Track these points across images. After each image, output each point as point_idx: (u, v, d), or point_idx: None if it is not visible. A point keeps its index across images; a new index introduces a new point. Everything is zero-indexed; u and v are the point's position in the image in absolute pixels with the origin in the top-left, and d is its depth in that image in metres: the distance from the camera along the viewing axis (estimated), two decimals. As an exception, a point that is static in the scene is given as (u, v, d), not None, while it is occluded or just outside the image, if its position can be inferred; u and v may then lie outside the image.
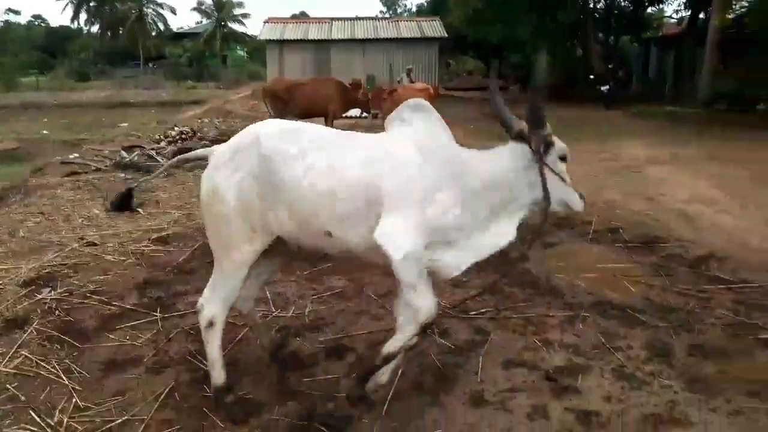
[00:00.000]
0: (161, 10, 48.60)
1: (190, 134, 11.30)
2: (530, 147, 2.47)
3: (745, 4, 17.36)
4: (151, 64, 44.61)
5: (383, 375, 2.58)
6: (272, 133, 2.43)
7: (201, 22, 49.48)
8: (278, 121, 2.61)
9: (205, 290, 2.53)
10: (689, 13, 23.52)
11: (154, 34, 47.90)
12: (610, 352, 3.05)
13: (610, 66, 23.46)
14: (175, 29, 51.15)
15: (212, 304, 2.48)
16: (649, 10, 28.70)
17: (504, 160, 2.53)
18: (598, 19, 26.43)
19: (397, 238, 2.27)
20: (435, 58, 29.52)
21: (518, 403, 2.60)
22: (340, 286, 4.04)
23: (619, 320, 3.43)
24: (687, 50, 21.42)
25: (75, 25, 50.78)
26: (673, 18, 29.48)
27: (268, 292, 3.89)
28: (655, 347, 3.09)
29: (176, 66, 41.14)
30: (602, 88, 20.39)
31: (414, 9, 48.90)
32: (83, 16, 48.86)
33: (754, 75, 16.02)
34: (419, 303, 2.30)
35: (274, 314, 3.58)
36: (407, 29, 30.08)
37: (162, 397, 2.65)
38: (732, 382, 2.75)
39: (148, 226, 5.43)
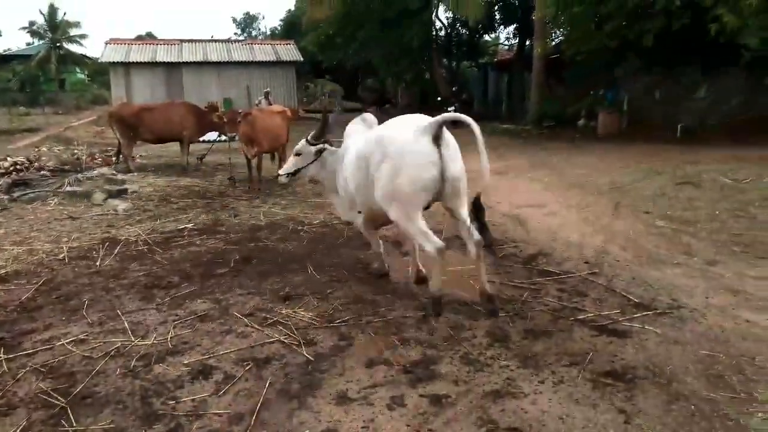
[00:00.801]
0: (-17, 32, 43.50)
1: (26, 165, 10.32)
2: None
3: (560, 33, 19.79)
4: (-26, 90, 39.62)
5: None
6: (427, 119, 3.92)
7: (32, 43, 45.02)
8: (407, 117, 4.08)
9: (420, 244, 3.84)
10: (517, 41, 26.26)
11: (-24, 57, 42.63)
12: (458, 342, 3.41)
13: (454, 89, 25.43)
14: (1, 51, 46.03)
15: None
16: (485, 37, 31.54)
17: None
18: (440, 45, 28.51)
19: None
20: (293, 81, 29.79)
21: (379, 396, 2.82)
22: (203, 309, 4.03)
23: (465, 314, 3.83)
24: (517, 75, 23.86)
25: None
26: (505, 45, 32.69)
27: (126, 322, 3.78)
28: (495, 334, 3.51)
29: (5, 91, 36.83)
30: (448, 109, 22.00)
31: (268, 32, 48.82)
32: None
33: (572, 96, 18.34)
34: None
35: (133, 343, 3.49)
36: (262, 52, 30.04)
37: (13, 439, 2.51)
38: (556, 356, 3.21)
39: (-19, 266, 4.96)
